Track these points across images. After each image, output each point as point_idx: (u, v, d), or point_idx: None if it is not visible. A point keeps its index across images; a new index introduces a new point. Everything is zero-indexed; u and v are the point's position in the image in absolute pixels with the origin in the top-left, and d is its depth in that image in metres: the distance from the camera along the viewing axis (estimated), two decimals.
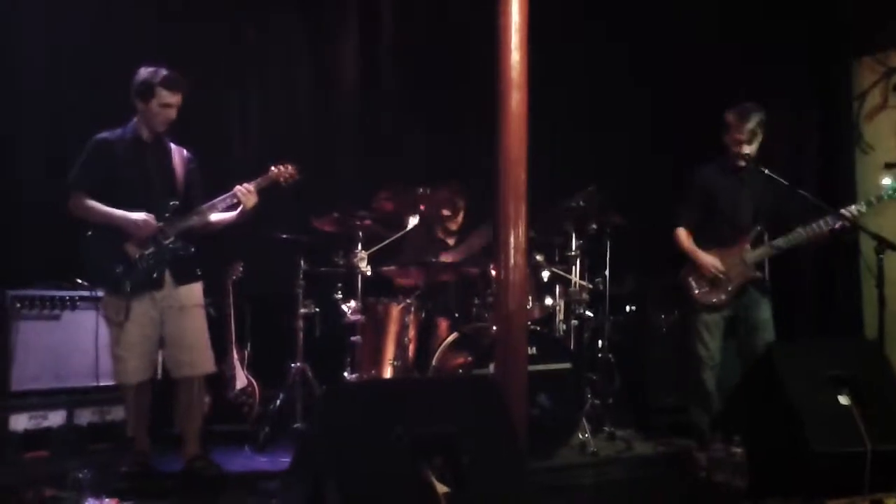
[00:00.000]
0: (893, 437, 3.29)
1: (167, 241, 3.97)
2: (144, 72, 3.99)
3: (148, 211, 3.94)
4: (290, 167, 4.23)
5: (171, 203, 4.02)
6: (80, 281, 4.63)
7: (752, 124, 4.46)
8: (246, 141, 5.78)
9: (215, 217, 4.11)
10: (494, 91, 3.67)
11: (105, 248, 3.93)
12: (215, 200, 4.06)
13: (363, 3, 6.20)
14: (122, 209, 3.92)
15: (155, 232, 3.93)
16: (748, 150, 4.47)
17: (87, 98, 4.96)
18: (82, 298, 4.60)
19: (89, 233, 3.95)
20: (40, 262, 4.80)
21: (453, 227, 5.57)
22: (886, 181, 4.28)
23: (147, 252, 3.93)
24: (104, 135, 4.04)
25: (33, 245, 4.88)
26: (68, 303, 4.55)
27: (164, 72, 3.98)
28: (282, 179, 4.20)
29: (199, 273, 4.15)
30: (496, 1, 3.71)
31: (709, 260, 4.52)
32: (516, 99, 3.62)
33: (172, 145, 4.18)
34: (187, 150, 4.21)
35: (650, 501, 3.81)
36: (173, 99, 3.99)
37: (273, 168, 4.19)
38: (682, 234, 4.66)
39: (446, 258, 5.23)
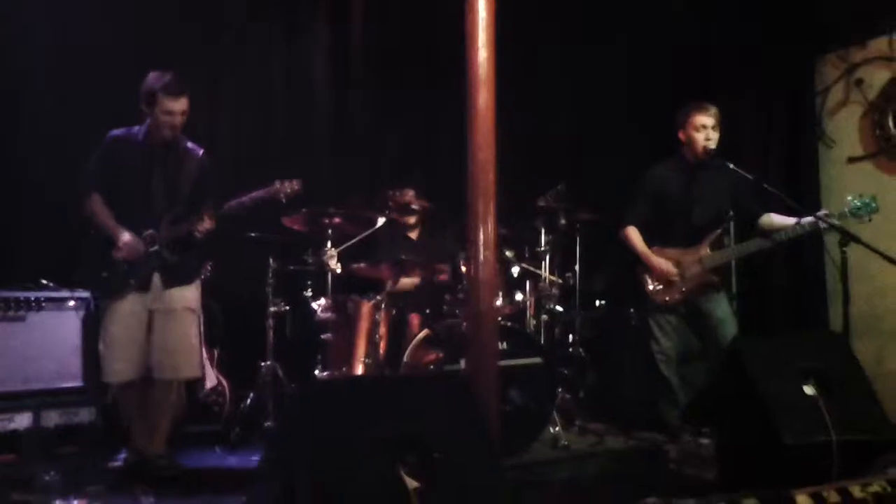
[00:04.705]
0: (859, 427, 3.35)
1: (153, 248, 3.95)
2: (150, 77, 3.93)
3: (144, 220, 3.96)
4: (294, 183, 4.11)
5: (167, 212, 4.00)
6: (44, 282, 4.58)
7: (714, 111, 4.45)
8: (215, 142, 5.69)
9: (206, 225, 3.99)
10: (463, 89, 3.66)
11: (97, 251, 3.97)
12: (232, 202, 4.01)
13: (335, 3, 6.14)
14: (121, 212, 3.96)
15: (139, 251, 3.93)
16: (713, 141, 4.44)
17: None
18: (48, 300, 4.52)
19: (91, 233, 4.01)
20: (5, 262, 4.73)
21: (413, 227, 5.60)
22: (850, 199, 4.23)
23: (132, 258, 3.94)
24: (118, 133, 4.03)
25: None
26: (34, 304, 4.47)
27: (167, 77, 3.90)
28: (282, 196, 4.10)
29: (193, 276, 4.14)
30: None
31: (662, 264, 4.48)
32: (484, 96, 3.61)
33: (189, 145, 4.13)
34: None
35: (621, 494, 3.82)
36: (175, 105, 3.92)
37: (277, 183, 4.09)
38: (633, 233, 4.62)
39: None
